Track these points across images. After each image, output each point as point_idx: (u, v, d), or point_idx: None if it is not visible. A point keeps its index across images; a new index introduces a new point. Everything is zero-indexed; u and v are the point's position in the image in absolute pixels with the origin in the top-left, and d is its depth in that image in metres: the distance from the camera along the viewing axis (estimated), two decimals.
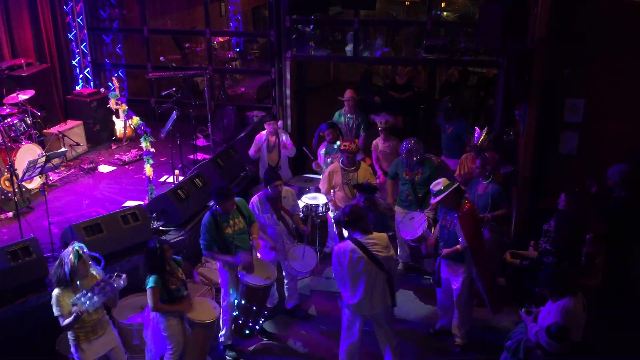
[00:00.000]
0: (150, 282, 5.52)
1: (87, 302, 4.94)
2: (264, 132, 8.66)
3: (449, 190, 6.09)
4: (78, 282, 5.12)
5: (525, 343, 5.36)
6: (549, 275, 5.24)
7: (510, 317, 6.92)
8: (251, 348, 6.67)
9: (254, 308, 6.24)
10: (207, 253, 6.26)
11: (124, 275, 5.18)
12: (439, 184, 6.21)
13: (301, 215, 7.42)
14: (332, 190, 7.66)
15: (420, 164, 7.47)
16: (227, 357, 6.46)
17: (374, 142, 8.76)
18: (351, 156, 7.45)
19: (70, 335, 5.23)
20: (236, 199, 6.34)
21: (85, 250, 5.19)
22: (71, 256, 5.06)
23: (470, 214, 6.16)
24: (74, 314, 4.99)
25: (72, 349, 5.28)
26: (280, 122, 9.06)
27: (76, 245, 5.17)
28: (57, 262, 5.16)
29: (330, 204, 7.68)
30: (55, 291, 5.11)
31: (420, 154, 7.42)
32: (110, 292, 5.05)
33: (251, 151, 8.76)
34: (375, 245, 5.52)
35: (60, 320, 5.09)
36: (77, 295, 5.00)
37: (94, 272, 5.33)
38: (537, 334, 5.16)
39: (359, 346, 5.90)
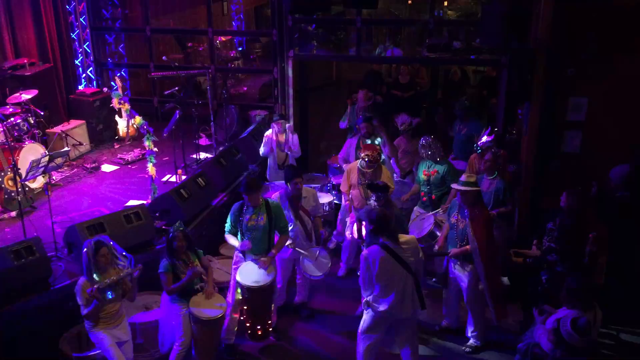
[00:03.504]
0: (160, 267, 5.71)
1: (109, 296, 5.26)
2: (271, 131, 8.63)
3: (474, 188, 6.12)
4: (95, 275, 5.27)
5: (532, 348, 5.36)
6: (573, 287, 5.22)
7: (513, 316, 6.92)
8: (254, 346, 6.65)
9: (249, 308, 6.17)
10: (226, 235, 6.36)
11: (139, 265, 5.44)
12: (471, 176, 6.23)
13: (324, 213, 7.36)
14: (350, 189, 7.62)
15: (435, 162, 7.48)
16: (226, 356, 6.46)
17: (396, 141, 8.74)
18: (372, 163, 7.36)
19: (87, 322, 5.36)
20: (273, 200, 6.39)
21: (106, 242, 5.36)
22: (86, 249, 5.26)
23: (484, 217, 6.16)
24: (93, 304, 5.18)
25: (90, 336, 5.42)
26: (289, 125, 9.01)
27: (94, 239, 5.37)
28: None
29: (346, 203, 7.67)
30: (80, 280, 5.29)
31: (433, 150, 7.43)
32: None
33: (263, 150, 8.72)
34: (405, 250, 5.49)
35: (82, 308, 5.27)
36: (97, 286, 5.17)
37: (119, 265, 5.46)
38: (549, 331, 5.17)
39: (377, 347, 5.89)
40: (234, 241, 6.24)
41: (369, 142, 8.10)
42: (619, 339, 6.53)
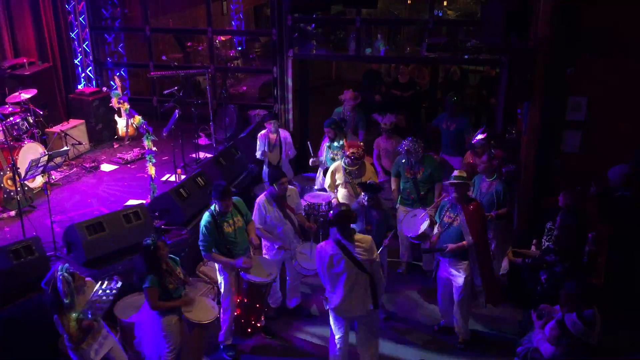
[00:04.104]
0: (147, 282, 5.45)
1: (90, 316, 5.11)
2: (264, 131, 8.65)
3: (466, 181, 6.23)
4: (75, 301, 5.16)
5: (532, 353, 5.37)
6: (572, 292, 5.22)
7: (512, 316, 6.93)
8: (252, 347, 6.67)
9: (257, 306, 6.24)
10: (206, 255, 6.18)
11: (115, 277, 5.27)
12: (461, 172, 6.35)
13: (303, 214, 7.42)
14: (335, 188, 7.66)
15: (419, 162, 7.46)
16: (226, 356, 6.45)
17: (376, 141, 8.78)
18: (357, 160, 7.46)
19: (68, 342, 5.21)
20: (233, 198, 6.37)
21: (69, 268, 5.18)
22: (63, 285, 5.05)
23: (477, 211, 6.22)
24: (84, 329, 5.10)
25: (72, 355, 5.27)
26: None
27: (62, 269, 5.12)
28: (49, 290, 5.10)
29: (333, 201, 7.69)
30: (56, 317, 5.14)
31: (417, 154, 7.40)
32: (109, 299, 5.20)
33: (259, 153, 8.72)
34: (357, 247, 5.48)
35: (66, 337, 5.15)
36: (83, 310, 5.11)
37: (87, 281, 5.40)
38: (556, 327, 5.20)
39: (347, 349, 5.90)
40: (227, 261, 6.12)
41: (336, 144, 8.22)
42: (618, 339, 6.52)
